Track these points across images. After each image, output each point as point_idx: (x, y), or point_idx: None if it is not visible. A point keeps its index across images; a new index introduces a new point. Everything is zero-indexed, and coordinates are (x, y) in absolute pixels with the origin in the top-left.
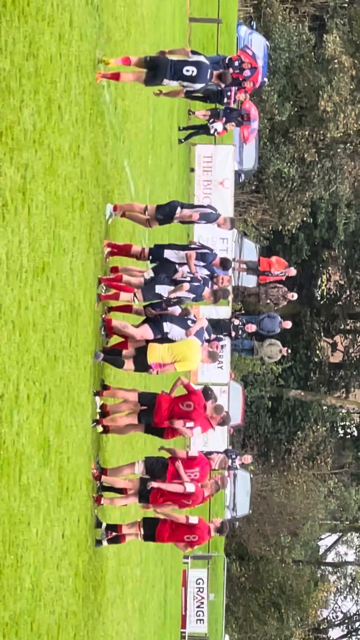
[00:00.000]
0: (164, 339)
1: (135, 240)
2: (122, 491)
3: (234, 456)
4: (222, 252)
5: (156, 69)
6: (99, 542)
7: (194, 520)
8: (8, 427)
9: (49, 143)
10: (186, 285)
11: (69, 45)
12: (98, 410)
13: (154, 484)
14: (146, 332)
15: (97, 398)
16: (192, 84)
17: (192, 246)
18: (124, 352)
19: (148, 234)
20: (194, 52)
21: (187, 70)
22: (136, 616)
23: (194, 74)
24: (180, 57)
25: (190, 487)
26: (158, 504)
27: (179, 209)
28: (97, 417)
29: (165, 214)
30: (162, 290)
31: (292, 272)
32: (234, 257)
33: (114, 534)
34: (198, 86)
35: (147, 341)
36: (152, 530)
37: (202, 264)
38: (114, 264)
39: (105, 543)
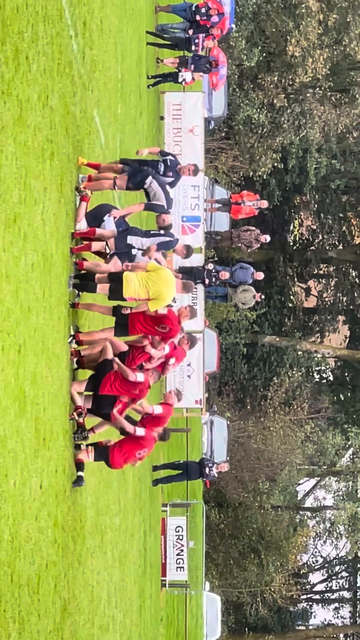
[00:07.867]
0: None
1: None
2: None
3: (210, 465)
4: (193, 200)
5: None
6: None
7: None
8: None
9: (18, 94)
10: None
11: None
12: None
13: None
14: (117, 264)
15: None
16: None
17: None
18: (97, 276)
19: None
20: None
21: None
22: (116, 565)
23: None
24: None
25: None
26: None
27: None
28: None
29: (135, 182)
30: (134, 241)
31: (264, 203)
32: (205, 199)
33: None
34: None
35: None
36: (104, 457)
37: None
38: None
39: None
